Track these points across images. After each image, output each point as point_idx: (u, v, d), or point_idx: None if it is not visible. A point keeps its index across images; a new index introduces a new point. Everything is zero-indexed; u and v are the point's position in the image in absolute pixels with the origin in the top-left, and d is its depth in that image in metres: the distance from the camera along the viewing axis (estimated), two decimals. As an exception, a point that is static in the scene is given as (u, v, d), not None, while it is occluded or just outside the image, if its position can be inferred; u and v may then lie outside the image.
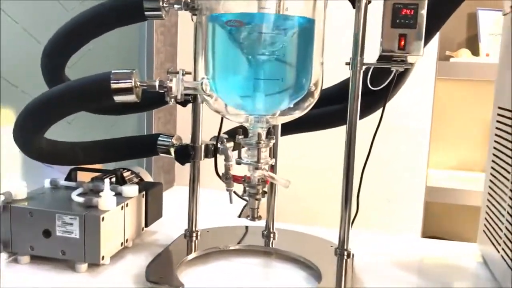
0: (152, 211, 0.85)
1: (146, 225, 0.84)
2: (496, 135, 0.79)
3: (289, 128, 0.81)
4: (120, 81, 0.68)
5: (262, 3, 0.65)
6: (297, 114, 0.72)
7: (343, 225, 0.75)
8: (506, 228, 0.70)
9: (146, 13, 0.75)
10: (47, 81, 0.83)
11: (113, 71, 0.68)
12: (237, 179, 0.74)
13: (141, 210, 0.82)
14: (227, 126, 0.81)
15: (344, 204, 0.74)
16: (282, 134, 0.82)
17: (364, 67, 0.70)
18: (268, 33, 0.66)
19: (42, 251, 0.72)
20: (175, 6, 0.74)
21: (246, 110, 0.70)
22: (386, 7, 0.65)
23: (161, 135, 0.83)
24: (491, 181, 0.80)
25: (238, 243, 0.83)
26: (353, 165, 0.73)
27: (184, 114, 1.69)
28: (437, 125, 1.72)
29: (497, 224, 0.75)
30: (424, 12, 0.64)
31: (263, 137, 0.69)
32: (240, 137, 0.71)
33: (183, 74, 0.68)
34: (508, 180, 0.72)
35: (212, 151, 0.80)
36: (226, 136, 0.83)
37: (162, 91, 0.68)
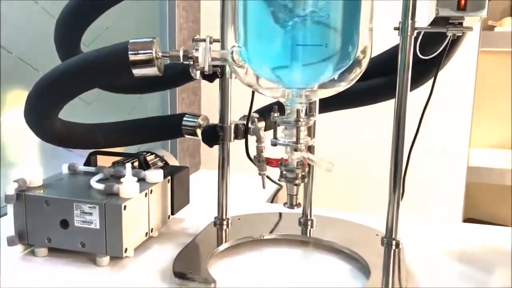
0: (179, 198, 0.80)
1: (173, 213, 0.80)
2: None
3: (327, 105, 0.74)
4: (140, 51, 0.60)
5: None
6: (342, 87, 0.63)
7: (391, 210, 0.68)
8: None
9: None
10: (61, 56, 0.78)
11: (131, 41, 0.61)
12: (270, 162, 0.71)
13: (167, 197, 0.78)
14: (258, 104, 0.76)
15: (393, 186, 0.68)
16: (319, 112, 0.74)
17: (415, 32, 0.64)
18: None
19: (60, 243, 0.67)
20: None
21: (283, 83, 0.62)
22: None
23: (186, 115, 0.80)
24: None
25: (272, 231, 0.76)
26: (403, 144, 0.67)
27: (210, 94, 1.64)
28: (479, 101, 1.61)
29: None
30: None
31: (302, 114, 0.62)
32: (275, 114, 0.63)
33: (210, 42, 0.60)
34: None
35: (243, 132, 0.75)
36: (256, 115, 0.77)
37: (187, 63, 0.62)
